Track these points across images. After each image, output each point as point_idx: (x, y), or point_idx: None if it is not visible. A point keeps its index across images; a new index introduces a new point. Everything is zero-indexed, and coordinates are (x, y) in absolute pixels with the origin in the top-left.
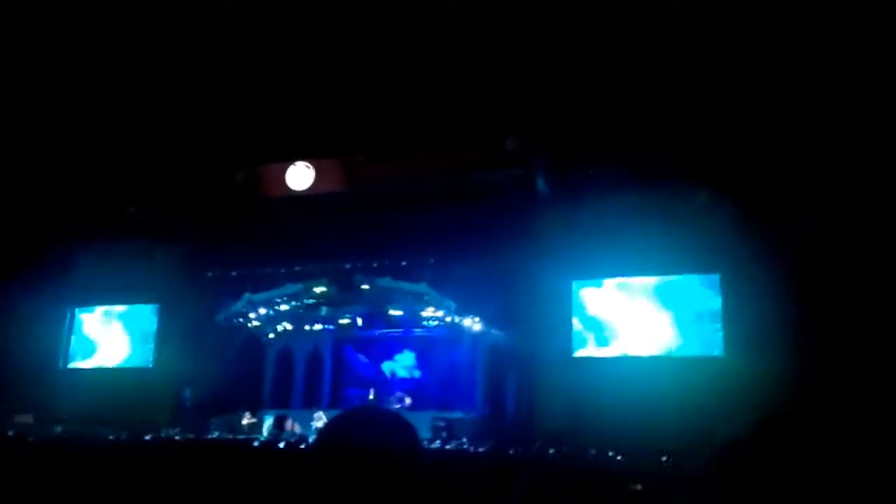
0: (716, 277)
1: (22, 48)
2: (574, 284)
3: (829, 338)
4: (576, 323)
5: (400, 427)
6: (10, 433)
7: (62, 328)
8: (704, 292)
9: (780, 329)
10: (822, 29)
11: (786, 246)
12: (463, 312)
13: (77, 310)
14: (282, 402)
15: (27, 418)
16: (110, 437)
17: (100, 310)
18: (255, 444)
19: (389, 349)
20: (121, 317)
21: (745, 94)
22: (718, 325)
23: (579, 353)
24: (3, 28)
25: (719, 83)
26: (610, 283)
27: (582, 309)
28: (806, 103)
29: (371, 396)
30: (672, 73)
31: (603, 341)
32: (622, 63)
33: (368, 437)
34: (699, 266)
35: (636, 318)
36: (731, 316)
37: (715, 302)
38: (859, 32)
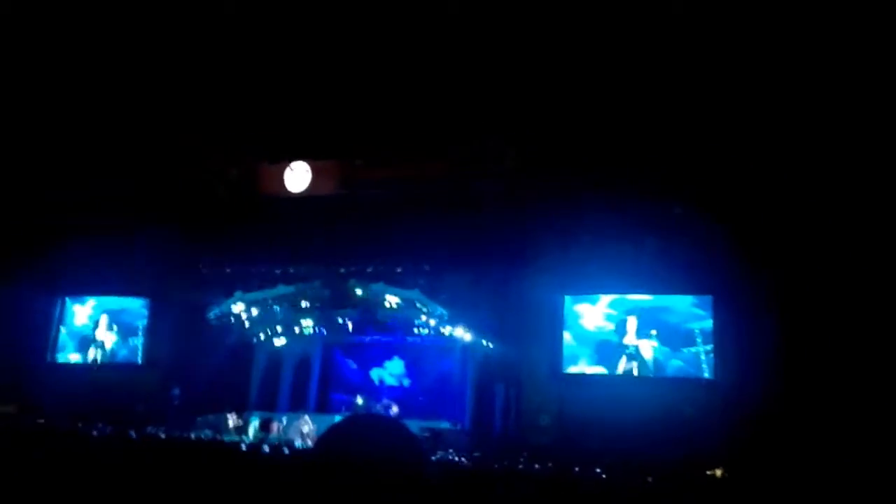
0: (708, 299)
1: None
2: (567, 299)
3: (820, 363)
4: (568, 338)
5: (405, 436)
6: None
7: (51, 319)
8: (697, 313)
9: (770, 353)
10: (811, 47)
11: (778, 270)
12: (454, 322)
13: (68, 300)
14: (268, 405)
15: (9, 408)
16: (94, 433)
17: (90, 302)
18: (242, 446)
19: (379, 356)
20: (111, 310)
21: (742, 113)
22: (709, 347)
23: (571, 370)
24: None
25: (715, 102)
26: (604, 300)
27: (576, 324)
28: (801, 124)
29: (360, 401)
30: (667, 92)
31: (594, 358)
32: (622, 79)
33: (372, 443)
34: (692, 287)
35: (629, 337)
36: (722, 338)
37: (706, 323)
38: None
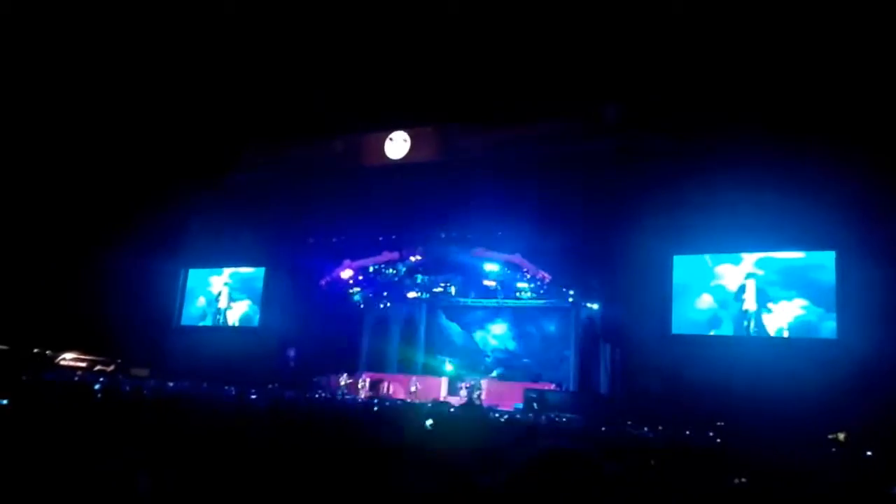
0: (831, 255)
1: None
2: (675, 259)
3: None
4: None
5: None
6: (127, 388)
7: (176, 287)
8: (818, 270)
9: None
10: None
11: None
12: (557, 284)
13: (191, 270)
14: (377, 366)
15: (142, 372)
16: (218, 393)
17: (212, 271)
18: (356, 404)
19: (482, 319)
20: (231, 278)
21: (858, 62)
22: (832, 306)
23: (682, 331)
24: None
25: (836, 42)
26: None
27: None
28: None
29: (449, 367)
30: (780, 33)
31: (707, 319)
32: (729, 26)
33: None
34: (811, 242)
35: (749, 297)
36: (847, 297)
37: (829, 281)
38: None
